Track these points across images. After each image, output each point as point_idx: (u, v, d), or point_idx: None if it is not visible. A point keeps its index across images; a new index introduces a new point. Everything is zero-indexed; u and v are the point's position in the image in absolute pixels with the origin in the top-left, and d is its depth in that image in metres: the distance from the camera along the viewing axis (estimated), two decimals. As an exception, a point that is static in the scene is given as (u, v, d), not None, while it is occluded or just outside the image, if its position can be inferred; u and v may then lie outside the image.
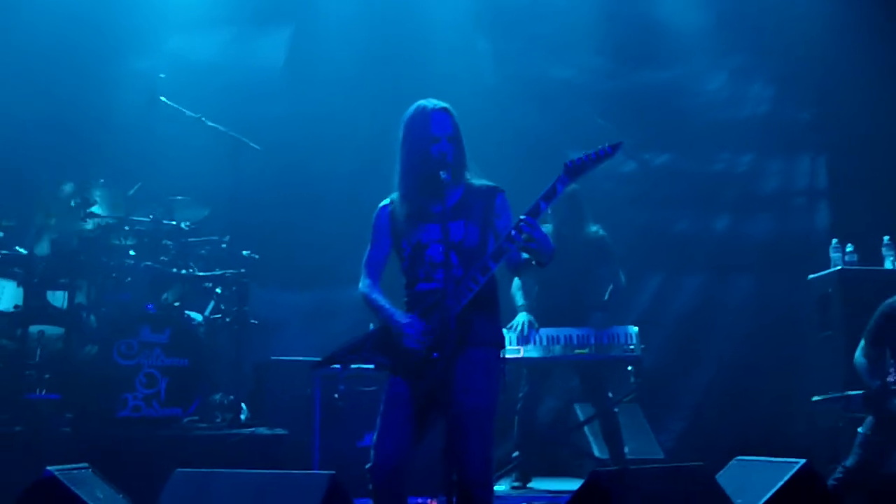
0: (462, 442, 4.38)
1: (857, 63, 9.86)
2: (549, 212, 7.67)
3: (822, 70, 10.17)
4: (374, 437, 4.55)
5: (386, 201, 4.88)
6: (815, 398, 7.79)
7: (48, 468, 4.70)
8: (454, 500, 4.29)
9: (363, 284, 4.79)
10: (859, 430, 6.76)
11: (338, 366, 5.12)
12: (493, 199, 4.81)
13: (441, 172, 4.57)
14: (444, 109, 4.81)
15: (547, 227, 7.72)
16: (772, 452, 5.69)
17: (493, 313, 4.73)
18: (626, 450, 7.84)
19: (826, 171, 10.29)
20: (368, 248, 4.86)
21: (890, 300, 6.82)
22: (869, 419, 6.72)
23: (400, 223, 4.75)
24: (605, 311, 7.56)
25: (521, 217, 4.49)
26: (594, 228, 7.76)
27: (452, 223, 4.57)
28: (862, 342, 6.90)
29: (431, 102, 4.82)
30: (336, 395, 7.27)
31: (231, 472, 4.94)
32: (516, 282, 7.64)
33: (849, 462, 6.71)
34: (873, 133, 9.76)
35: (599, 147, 4.61)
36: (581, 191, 7.76)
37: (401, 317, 4.59)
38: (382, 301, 4.70)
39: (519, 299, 7.61)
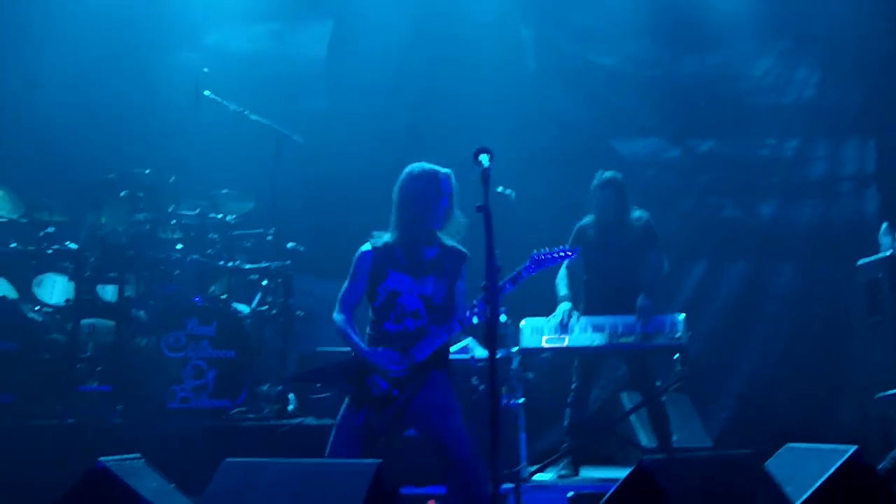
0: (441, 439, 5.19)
1: (905, 45, 9.74)
2: (594, 200, 7.70)
3: (869, 53, 10.01)
4: (327, 449, 5.26)
5: (367, 246, 5.40)
6: (879, 395, 7.65)
7: (100, 459, 4.76)
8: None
9: (339, 318, 5.32)
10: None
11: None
12: (461, 263, 5.39)
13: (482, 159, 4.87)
14: (451, 175, 5.44)
15: (588, 218, 7.73)
16: (821, 440, 5.63)
17: (446, 363, 5.41)
18: (674, 438, 7.80)
19: (875, 154, 10.13)
20: (347, 283, 5.40)
21: None
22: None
23: (378, 269, 5.32)
24: (651, 299, 7.49)
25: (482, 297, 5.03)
26: (637, 214, 7.72)
27: (426, 277, 5.24)
28: None
29: (442, 169, 5.41)
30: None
31: (278, 461, 4.96)
32: (562, 271, 7.62)
33: (901, 450, 6.62)
34: (923, 116, 9.63)
35: (563, 248, 5.41)
36: (624, 178, 7.73)
37: (374, 353, 5.19)
38: (356, 338, 5.27)
39: (561, 289, 7.57)
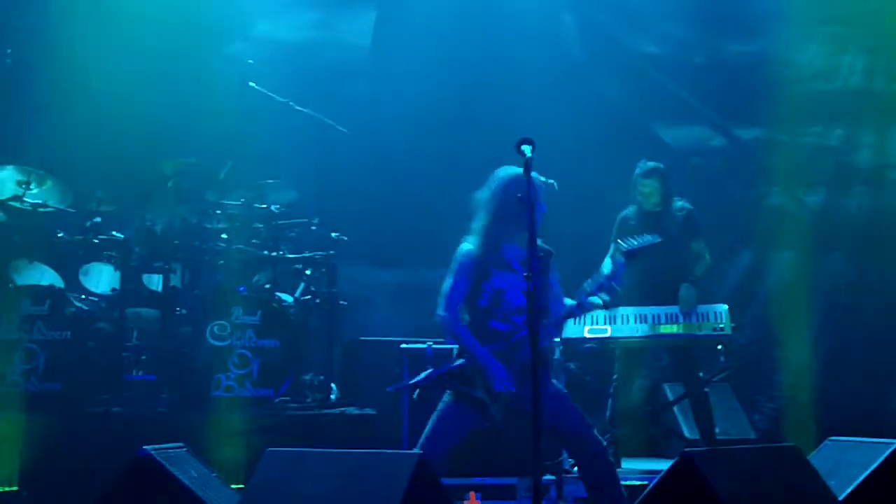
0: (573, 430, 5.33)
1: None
2: (636, 190, 7.64)
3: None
4: (425, 439, 5.27)
5: (470, 246, 5.40)
6: None
7: (144, 447, 4.81)
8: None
9: (451, 318, 5.32)
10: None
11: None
12: (548, 258, 5.48)
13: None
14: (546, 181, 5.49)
15: (631, 208, 7.68)
16: (869, 433, 5.58)
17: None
18: (717, 430, 7.73)
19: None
20: (450, 283, 5.37)
21: None
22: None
23: (482, 268, 5.35)
24: (695, 288, 7.43)
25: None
26: (680, 204, 7.66)
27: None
28: None
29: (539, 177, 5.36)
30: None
31: (320, 451, 5.00)
32: (606, 260, 7.56)
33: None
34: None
35: (646, 236, 5.59)
36: (667, 167, 7.67)
37: (489, 364, 5.21)
38: (473, 341, 5.28)
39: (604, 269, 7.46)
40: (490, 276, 5.35)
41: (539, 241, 5.33)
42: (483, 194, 5.48)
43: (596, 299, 5.49)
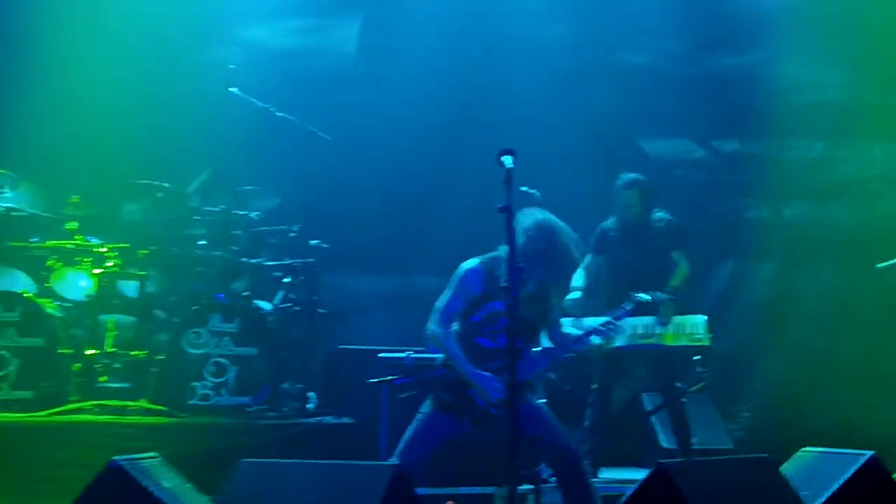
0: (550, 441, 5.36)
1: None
2: (617, 201, 7.64)
3: (896, 55, 9.93)
4: (403, 447, 5.29)
5: (475, 264, 5.37)
6: None
7: (114, 458, 4.74)
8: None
9: (441, 332, 5.30)
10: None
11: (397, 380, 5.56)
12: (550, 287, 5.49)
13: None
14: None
15: (611, 220, 7.68)
16: (847, 444, 5.60)
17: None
18: (694, 440, 7.74)
19: (901, 157, 10.06)
20: (448, 296, 5.35)
21: None
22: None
23: (486, 290, 5.30)
24: (673, 300, 7.43)
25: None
26: (659, 215, 7.66)
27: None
28: None
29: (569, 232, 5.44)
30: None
31: (295, 462, 4.97)
32: (578, 271, 7.53)
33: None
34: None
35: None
36: (648, 179, 7.67)
37: (479, 376, 5.24)
38: (462, 357, 5.28)
39: (575, 282, 7.42)
40: (493, 300, 5.29)
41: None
42: (522, 237, 5.24)
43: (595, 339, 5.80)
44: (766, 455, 5.20)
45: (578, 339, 5.62)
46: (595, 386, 7.74)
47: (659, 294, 5.64)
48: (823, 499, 5.08)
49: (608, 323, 5.67)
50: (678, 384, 7.72)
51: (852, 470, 5.13)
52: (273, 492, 4.71)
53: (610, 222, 7.71)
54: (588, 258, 7.59)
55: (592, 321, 7.24)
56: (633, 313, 5.68)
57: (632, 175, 7.65)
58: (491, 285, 5.27)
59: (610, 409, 7.95)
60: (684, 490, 4.67)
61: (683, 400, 7.74)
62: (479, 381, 5.23)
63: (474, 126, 9.70)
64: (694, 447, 7.67)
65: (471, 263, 5.38)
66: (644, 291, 7.34)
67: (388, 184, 9.74)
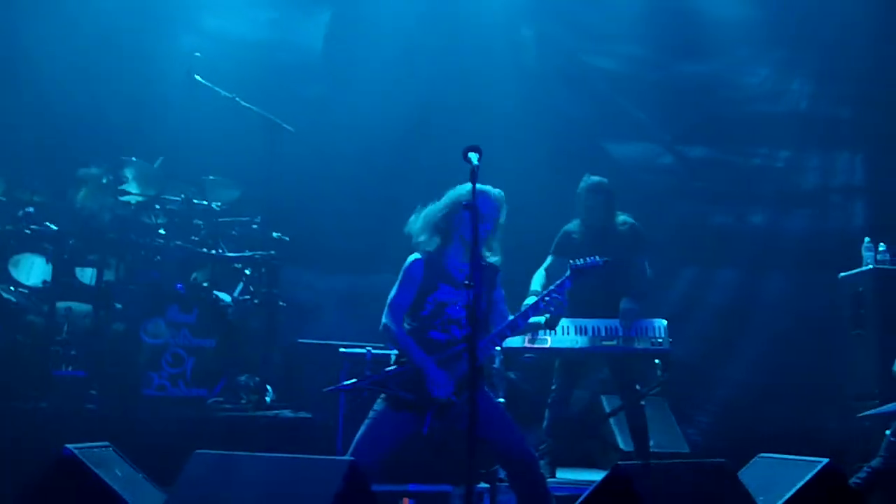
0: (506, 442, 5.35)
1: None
2: (580, 204, 7.64)
3: (863, 67, 10.05)
4: (358, 440, 5.29)
5: (418, 256, 5.49)
6: (862, 414, 7.58)
7: (67, 446, 4.68)
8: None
9: (393, 325, 5.38)
10: (887, 432, 6.65)
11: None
12: (495, 275, 5.62)
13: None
14: (501, 198, 5.60)
15: (574, 222, 7.68)
16: (802, 451, 5.63)
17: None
18: (652, 443, 7.76)
19: (863, 168, 10.16)
20: (396, 291, 5.45)
21: None
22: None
23: (428, 280, 5.43)
24: (636, 303, 7.44)
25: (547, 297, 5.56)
26: (622, 218, 7.66)
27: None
28: None
29: (493, 190, 5.54)
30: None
31: (249, 455, 4.90)
32: (539, 272, 7.53)
33: (874, 463, 6.63)
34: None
35: (596, 258, 5.65)
36: (612, 182, 7.67)
37: (431, 369, 5.26)
38: (415, 347, 5.33)
39: (534, 285, 7.44)
40: (435, 290, 5.42)
41: (489, 256, 5.53)
42: (432, 209, 5.55)
43: (538, 318, 5.61)
44: (723, 460, 5.21)
45: (525, 314, 5.54)
46: (554, 387, 7.73)
47: (596, 258, 5.59)
48: (779, 505, 5.11)
49: (550, 293, 5.56)
50: (637, 387, 7.73)
51: (809, 476, 5.16)
52: (225, 484, 4.67)
53: (573, 225, 7.70)
54: (549, 259, 7.60)
55: (567, 322, 7.32)
56: (573, 280, 5.57)
57: (596, 178, 7.64)
58: (430, 273, 5.42)
59: (569, 411, 7.95)
60: (641, 493, 4.68)
61: (642, 403, 7.75)
62: (429, 376, 5.25)
63: (438, 125, 9.68)
64: (651, 450, 7.69)
65: (414, 256, 5.50)
66: (606, 296, 7.40)
67: (351, 178, 9.70)
